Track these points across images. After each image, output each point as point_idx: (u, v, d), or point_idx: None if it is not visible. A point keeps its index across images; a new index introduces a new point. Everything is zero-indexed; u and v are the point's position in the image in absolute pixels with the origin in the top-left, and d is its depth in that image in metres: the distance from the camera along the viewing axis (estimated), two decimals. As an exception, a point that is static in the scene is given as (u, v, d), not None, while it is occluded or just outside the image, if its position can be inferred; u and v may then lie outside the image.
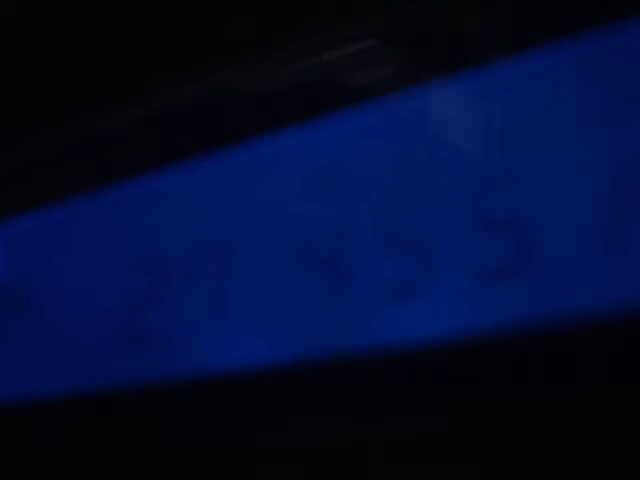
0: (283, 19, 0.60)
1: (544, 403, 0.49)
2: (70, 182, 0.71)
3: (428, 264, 0.54)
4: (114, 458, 0.64)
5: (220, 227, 0.63)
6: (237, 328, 0.61)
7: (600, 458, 0.47)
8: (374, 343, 0.55)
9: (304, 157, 0.60)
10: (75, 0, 0.67)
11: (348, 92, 0.59)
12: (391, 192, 0.56)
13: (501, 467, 0.50)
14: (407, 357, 0.54)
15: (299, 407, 0.57)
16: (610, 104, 0.50)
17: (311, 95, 0.60)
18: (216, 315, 0.62)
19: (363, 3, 0.58)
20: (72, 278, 0.70)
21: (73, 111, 0.69)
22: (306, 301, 0.58)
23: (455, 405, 0.52)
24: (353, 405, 0.55)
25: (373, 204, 0.56)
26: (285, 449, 0.57)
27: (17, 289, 0.73)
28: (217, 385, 0.61)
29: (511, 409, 0.50)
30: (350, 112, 0.58)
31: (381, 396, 0.54)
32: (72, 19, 0.68)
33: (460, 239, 0.53)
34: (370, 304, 0.56)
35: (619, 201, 0.49)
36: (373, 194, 0.57)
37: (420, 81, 0.56)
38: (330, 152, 0.59)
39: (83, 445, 0.66)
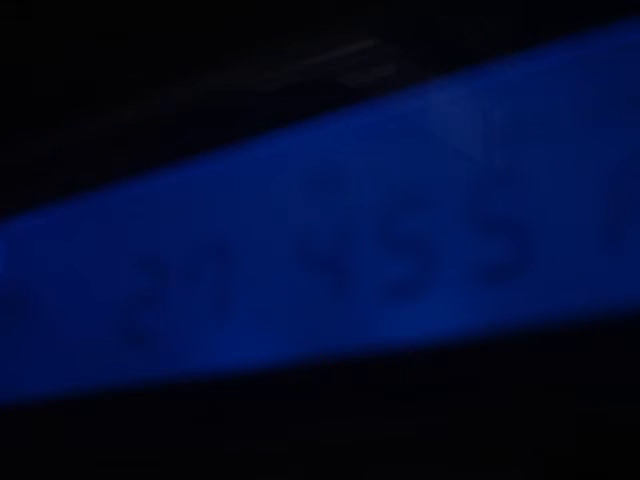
0: (283, 19, 0.60)
1: (543, 402, 0.50)
2: (70, 182, 0.71)
3: (428, 264, 0.54)
4: (113, 458, 0.64)
5: (220, 227, 0.63)
6: (237, 328, 0.61)
7: (599, 458, 0.48)
8: (374, 343, 0.55)
9: (304, 157, 0.60)
10: (75, 1, 0.67)
11: (348, 92, 0.59)
12: (391, 192, 0.56)
13: (500, 468, 0.50)
14: (407, 357, 0.54)
15: (299, 407, 0.57)
16: (610, 104, 0.50)
17: (311, 95, 0.60)
18: (216, 315, 0.62)
19: (363, 3, 0.58)
20: (72, 278, 0.70)
21: (73, 111, 0.69)
22: (306, 301, 0.58)
23: (455, 405, 0.52)
24: (353, 405, 0.55)
25: (374, 204, 0.56)
26: (285, 449, 0.57)
27: (17, 289, 0.73)
28: (217, 385, 0.61)
29: (511, 409, 0.50)
30: (350, 112, 0.58)
31: (381, 396, 0.54)
32: (72, 19, 0.68)
33: (460, 239, 0.53)
34: (370, 304, 0.56)
35: (618, 201, 0.49)
36: (373, 194, 0.57)
37: (420, 81, 0.56)
38: (330, 152, 0.59)
39: (82, 445, 0.66)
